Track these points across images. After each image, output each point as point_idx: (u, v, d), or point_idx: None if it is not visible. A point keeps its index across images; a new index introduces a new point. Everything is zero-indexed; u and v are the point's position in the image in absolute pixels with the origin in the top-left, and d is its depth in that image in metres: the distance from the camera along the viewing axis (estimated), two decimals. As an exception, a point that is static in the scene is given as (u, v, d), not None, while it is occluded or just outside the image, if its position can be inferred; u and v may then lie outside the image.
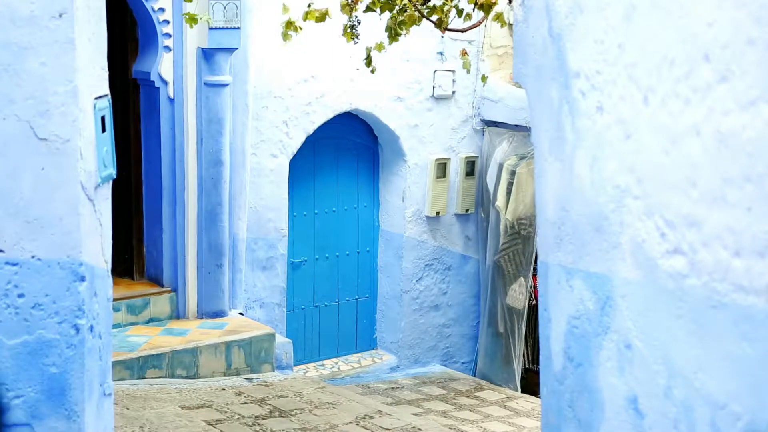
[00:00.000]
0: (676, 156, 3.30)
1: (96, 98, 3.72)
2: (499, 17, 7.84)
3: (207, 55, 8.93)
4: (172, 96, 9.00)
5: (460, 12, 7.84)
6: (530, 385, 10.34)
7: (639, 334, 3.59)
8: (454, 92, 10.91)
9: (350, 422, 7.58)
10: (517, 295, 10.67)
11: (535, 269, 10.21)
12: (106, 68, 3.86)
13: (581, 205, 3.91)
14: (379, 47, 8.19)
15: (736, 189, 3.01)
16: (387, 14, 7.70)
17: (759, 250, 2.96)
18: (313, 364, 10.72)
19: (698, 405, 3.28)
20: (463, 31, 8.20)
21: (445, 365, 11.30)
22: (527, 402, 9.81)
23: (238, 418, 7.47)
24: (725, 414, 3.15)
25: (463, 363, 11.37)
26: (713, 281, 3.17)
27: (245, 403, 7.91)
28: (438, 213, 10.98)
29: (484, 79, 10.76)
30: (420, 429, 7.55)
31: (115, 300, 7.70)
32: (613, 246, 3.72)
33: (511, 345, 10.69)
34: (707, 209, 3.16)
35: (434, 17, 7.70)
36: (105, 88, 3.83)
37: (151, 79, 8.97)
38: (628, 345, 3.66)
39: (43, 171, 3.49)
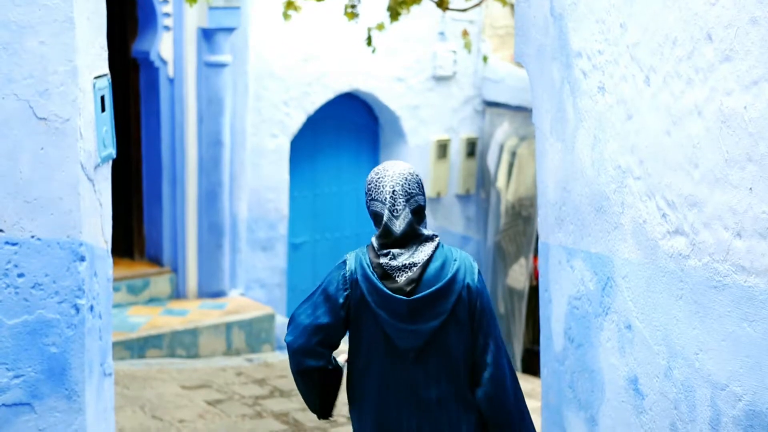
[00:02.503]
0: (678, 136, 3.29)
1: (95, 78, 3.70)
2: (500, -3, 7.81)
3: (207, 34, 8.90)
4: (171, 76, 8.98)
5: (461, -9, 7.81)
6: (531, 365, 10.35)
7: (639, 314, 3.59)
8: (455, 72, 10.88)
9: (350, 402, 7.59)
10: (517, 276, 10.68)
11: (535, 250, 10.21)
12: (106, 47, 3.84)
13: (582, 186, 3.91)
14: (380, 27, 8.15)
15: (738, 169, 3.01)
16: (388, -6, 7.67)
17: (760, 230, 2.95)
18: (313, 344, 10.74)
19: (698, 386, 3.28)
20: (464, 10, 8.17)
21: (445, 346, 11.32)
22: (527, 382, 9.82)
23: (239, 399, 7.48)
24: (726, 395, 3.16)
25: (463, 343, 11.40)
26: (714, 262, 3.17)
27: (245, 383, 7.93)
28: (439, 194, 10.97)
29: (485, 59, 10.74)
30: (420, 409, 7.57)
31: (115, 280, 7.70)
32: (614, 227, 3.72)
33: (512, 326, 10.71)
34: (709, 190, 3.16)
35: (435, -3, 7.68)
36: (104, 68, 3.82)
37: (151, 58, 8.94)
38: (629, 326, 3.66)
39: (42, 151, 3.48)
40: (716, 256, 3.13)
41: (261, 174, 9.78)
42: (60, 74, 3.47)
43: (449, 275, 3.18)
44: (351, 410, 3.33)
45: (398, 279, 3.16)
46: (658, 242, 3.43)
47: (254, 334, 9.07)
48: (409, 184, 3.22)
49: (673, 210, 3.33)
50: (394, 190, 3.20)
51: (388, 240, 3.20)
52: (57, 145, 3.49)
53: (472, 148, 11.14)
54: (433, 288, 3.17)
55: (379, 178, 3.25)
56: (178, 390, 7.54)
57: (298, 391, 3.36)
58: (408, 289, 3.13)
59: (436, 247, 3.23)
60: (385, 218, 3.20)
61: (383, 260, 3.17)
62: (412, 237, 3.19)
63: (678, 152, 3.28)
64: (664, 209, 3.38)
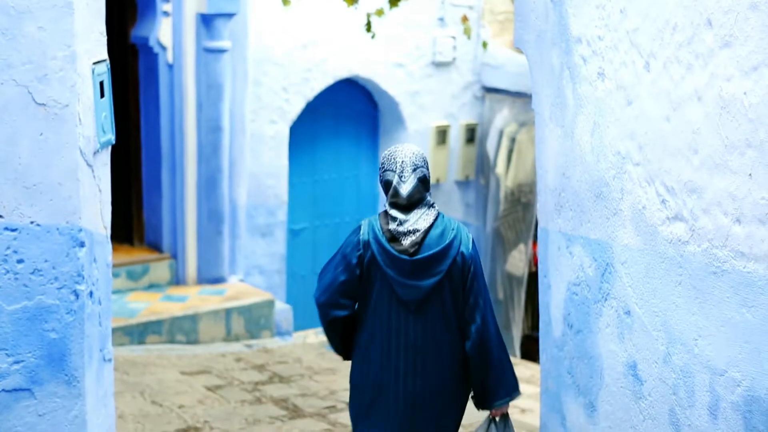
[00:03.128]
0: (678, 122, 3.29)
1: (94, 63, 3.70)
2: (500, -17, 7.79)
3: (206, 20, 8.88)
4: (171, 62, 8.96)
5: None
6: (530, 351, 10.37)
7: (639, 300, 3.60)
8: (454, 58, 10.86)
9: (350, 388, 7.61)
10: (516, 262, 10.68)
11: (535, 236, 10.21)
12: (105, 33, 3.83)
13: (582, 172, 3.91)
14: (379, 13, 8.14)
15: (738, 155, 3.00)
16: (387, -21, 7.65)
17: (759, 216, 2.96)
18: (312, 330, 10.73)
19: (697, 371, 3.29)
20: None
21: (444, 332, 11.33)
22: (526, 368, 9.83)
23: (238, 384, 7.49)
24: (724, 380, 3.16)
25: (462, 330, 11.41)
26: (713, 248, 3.17)
27: (245, 369, 7.94)
28: (438, 180, 10.96)
29: (484, 45, 10.71)
30: (419, 395, 7.58)
31: (114, 266, 7.70)
32: (614, 212, 3.72)
33: (511, 312, 10.72)
34: (708, 175, 3.16)
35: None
36: (103, 53, 3.81)
37: (150, 44, 8.92)
38: (628, 311, 3.67)
39: (41, 136, 3.48)
40: (715, 242, 3.14)
41: (260, 160, 9.78)
42: (59, 60, 3.46)
43: (447, 241, 3.76)
44: (355, 354, 3.93)
45: (404, 242, 3.74)
46: (657, 228, 3.43)
47: (254, 320, 9.08)
48: (416, 158, 3.83)
49: (672, 196, 3.33)
50: (403, 161, 3.81)
51: (397, 200, 3.77)
52: (56, 131, 3.48)
53: (471, 134, 11.13)
54: (432, 251, 3.75)
55: (390, 153, 3.88)
56: (177, 376, 7.55)
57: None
58: (411, 250, 3.74)
59: (437, 217, 3.80)
60: (394, 182, 3.79)
61: (392, 226, 3.76)
62: (417, 201, 3.77)
63: (678, 138, 3.28)
64: (664, 195, 3.38)
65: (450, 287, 3.78)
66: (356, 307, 3.89)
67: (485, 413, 3.97)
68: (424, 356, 3.78)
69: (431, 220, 3.78)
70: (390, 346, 3.81)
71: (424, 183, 3.80)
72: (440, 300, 3.78)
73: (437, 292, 3.77)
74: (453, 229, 3.81)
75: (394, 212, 3.79)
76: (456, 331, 3.81)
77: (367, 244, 3.80)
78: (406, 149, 3.87)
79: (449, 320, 3.80)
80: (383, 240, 3.76)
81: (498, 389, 3.87)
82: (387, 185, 3.83)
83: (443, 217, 3.83)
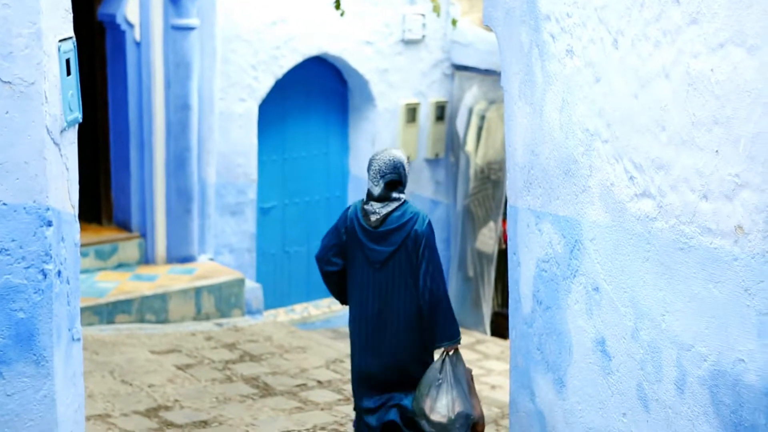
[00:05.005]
0: (646, 99, 3.31)
1: (60, 41, 3.66)
2: (469, -40, 7.77)
3: (174, -3, 8.81)
4: (138, 39, 8.89)
5: (429, -46, 7.76)
6: (499, 328, 10.42)
7: (607, 277, 3.62)
8: (423, 36, 10.84)
9: (320, 366, 7.62)
10: (486, 240, 10.71)
11: (504, 213, 10.24)
12: (71, 10, 3.79)
13: (550, 149, 3.92)
14: (348, -10, 8.09)
15: (705, 132, 3.02)
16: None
17: (726, 192, 2.98)
18: (283, 308, 10.73)
19: (665, 346, 3.32)
20: (432, -27, 8.13)
21: (414, 309, 11.34)
22: (496, 345, 9.89)
23: (209, 363, 7.49)
24: (691, 355, 3.19)
25: (432, 307, 11.42)
26: (681, 224, 3.19)
27: (215, 347, 7.93)
28: (408, 158, 10.95)
29: (454, 22, 10.70)
30: (390, 372, 7.61)
31: (83, 245, 7.66)
32: (582, 189, 3.73)
33: (481, 289, 10.75)
34: (676, 152, 3.17)
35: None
36: (69, 31, 3.77)
37: (117, 22, 8.85)
38: (596, 288, 3.69)
39: (7, 115, 3.44)
40: (683, 218, 3.16)
41: (229, 138, 9.73)
42: (24, 37, 3.42)
43: (403, 221, 5.12)
44: (349, 302, 5.32)
45: (372, 218, 5.15)
46: (625, 205, 3.45)
47: (224, 298, 9.06)
48: (387, 167, 5.17)
49: (640, 172, 3.35)
50: (378, 169, 5.17)
51: (371, 197, 5.18)
52: (22, 109, 3.45)
53: (441, 112, 11.13)
54: (390, 227, 5.12)
55: (372, 159, 5.23)
56: (147, 355, 7.53)
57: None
58: (375, 225, 5.14)
59: (400, 205, 5.16)
60: (369, 185, 5.20)
61: (367, 207, 5.18)
62: (385, 198, 5.16)
63: (645, 115, 3.29)
64: (632, 172, 3.39)
65: (405, 254, 5.10)
66: (344, 265, 5.25)
67: None
68: (385, 300, 5.16)
69: (393, 207, 5.14)
70: (363, 292, 5.19)
71: (392, 184, 5.15)
72: (398, 262, 5.12)
73: (395, 256, 5.12)
74: (412, 213, 5.15)
75: (368, 201, 5.19)
76: (411, 286, 5.12)
77: (351, 219, 5.21)
78: (383, 157, 5.20)
79: (405, 277, 5.12)
80: (360, 216, 5.17)
81: (443, 334, 5.13)
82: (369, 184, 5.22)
83: (408, 204, 5.19)
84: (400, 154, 5.26)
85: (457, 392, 5.14)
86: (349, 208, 5.29)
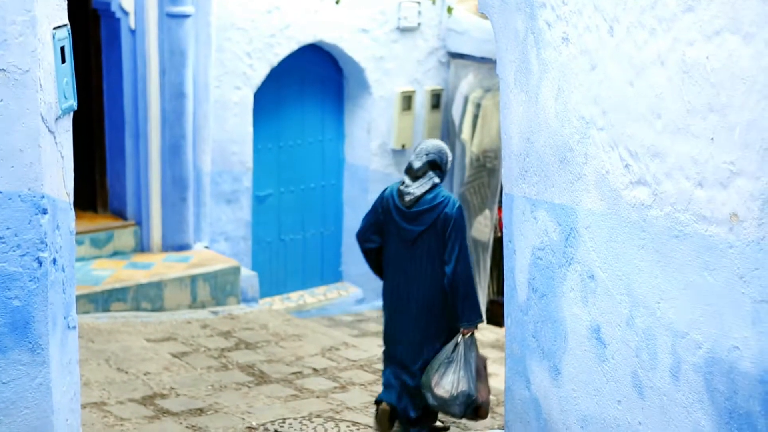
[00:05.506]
0: (641, 87, 3.30)
1: (55, 28, 3.65)
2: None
3: (169, -15, 8.79)
4: (133, 27, 8.87)
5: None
6: (495, 316, 10.43)
7: (602, 264, 3.62)
8: (419, 24, 10.83)
9: (316, 354, 7.63)
10: (482, 228, 10.72)
11: (500, 201, 10.24)
12: (65, -3, 3.78)
13: (546, 137, 3.91)
14: (344, -22, 8.08)
15: (700, 119, 3.02)
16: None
17: (721, 180, 2.98)
18: (278, 296, 10.74)
19: (660, 334, 3.32)
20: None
21: (410, 297, 11.34)
22: (491, 333, 9.91)
23: (204, 351, 7.49)
24: (686, 342, 3.20)
25: (428, 295, 11.42)
26: (676, 212, 3.19)
27: (211, 335, 7.93)
28: (403, 146, 10.95)
29: (449, 10, 10.68)
30: (385, 360, 7.62)
31: (78, 233, 7.65)
32: (578, 177, 3.73)
33: (477, 277, 10.76)
34: (671, 140, 3.17)
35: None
36: (64, 18, 3.76)
37: (112, 9, 8.83)
38: (592, 275, 3.69)
39: (1, 102, 3.44)
40: (678, 206, 3.16)
41: (225, 126, 9.72)
42: (18, 24, 3.41)
43: (435, 203, 5.58)
44: (383, 276, 5.86)
45: (406, 199, 5.63)
46: (620, 192, 3.46)
47: (219, 286, 9.07)
48: (432, 149, 5.68)
49: (635, 160, 3.35)
50: (422, 148, 5.70)
51: (409, 170, 5.67)
52: (17, 97, 3.44)
53: (436, 100, 11.12)
54: (422, 207, 5.59)
55: (418, 145, 5.76)
56: (143, 343, 7.54)
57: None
58: (409, 205, 5.62)
59: (432, 188, 5.62)
60: (410, 161, 5.69)
61: (402, 188, 5.66)
62: (423, 174, 5.61)
63: (641, 103, 3.29)
64: (627, 160, 3.40)
65: (435, 234, 5.56)
66: (381, 242, 5.79)
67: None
68: (414, 276, 5.62)
69: (426, 188, 5.60)
70: (395, 267, 5.73)
71: (431, 164, 5.63)
72: (427, 241, 5.58)
73: (424, 236, 5.58)
74: (443, 197, 5.62)
75: (405, 178, 5.70)
76: (438, 265, 5.57)
77: (387, 199, 5.73)
78: (431, 142, 5.78)
79: (433, 256, 5.58)
80: (396, 197, 5.68)
81: (463, 315, 5.54)
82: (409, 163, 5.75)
83: (441, 189, 5.66)
84: (446, 147, 5.78)
85: (464, 373, 5.50)
86: (386, 189, 5.83)
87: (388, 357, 5.88)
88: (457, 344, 5.57)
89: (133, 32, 8.89)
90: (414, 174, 5.63)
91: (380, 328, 9.97)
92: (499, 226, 10.38)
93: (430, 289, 5.59)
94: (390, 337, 5.84)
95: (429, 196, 5.58)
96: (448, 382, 5.50)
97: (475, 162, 10.66)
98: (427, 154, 5.62)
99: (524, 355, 4.26)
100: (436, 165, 5.65)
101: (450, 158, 5.75)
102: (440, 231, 5.53)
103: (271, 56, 9.89)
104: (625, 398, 3.53)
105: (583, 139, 3.64)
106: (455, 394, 5.48)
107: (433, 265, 5.58)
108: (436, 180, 5.64)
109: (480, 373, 5.60)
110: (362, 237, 5.84)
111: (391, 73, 10.79)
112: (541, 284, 4.06)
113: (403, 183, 5.67)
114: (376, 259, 5.86)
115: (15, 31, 3.41)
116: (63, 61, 3.72)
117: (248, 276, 9.49)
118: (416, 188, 5.58)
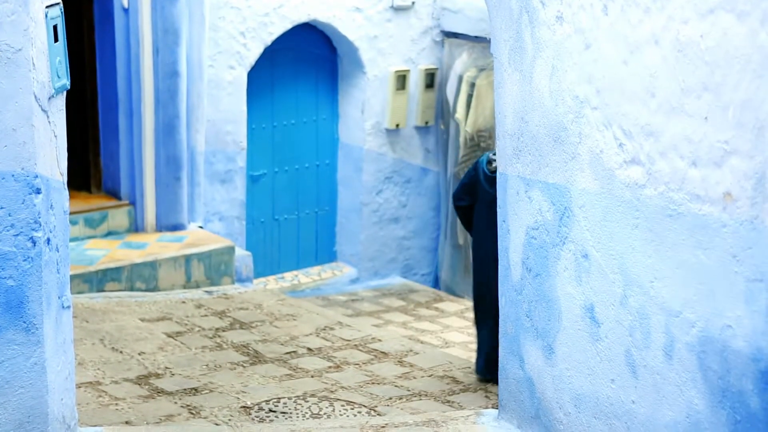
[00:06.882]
0: (635, 66, 3.30)
1: (47, 7, 3.63)
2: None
3: (162, -37, 8.75)
4: (126, 5, 8.84)
5: None
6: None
7: (596, 244, 3.63)
8: (413, 3, 10.80)
9: (310, 334, 7.64)
10: (476, 207, 10.72)
11: (494, 181, 10.22)
12: (57, -24, 3.76)
13: (540, 116, 3.91)
14: (338, -44, 8.05)
15: (694, 98, 3.02)
16: None
17: (715, 159, 2.98)
18: (273, 276, 10.74)
19: (653, 313, 3.33)
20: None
21: (404, 277, 11.37)
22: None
23: (199, 331, 7.50)
24: (679, 321, 3.21)
25: (422, 275, 11.45)
26: (670, 191, 3.20)
27: (205, 315, 7.94)
28: (398, 125, 10.94)
29: (443, -11, 10.65)
30: (380, 340, 7.63)
31: (72, 213, 7.65)
32: (572, 157, 3.73)
33: (471, 257, 10.76)
34: (665, 119, 3.18)
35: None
36: (56, -3, 3.75)
37: (105, -12, 8.80)
38: (585, 255, 3.70)
39: (-6, 81, 3.43)
40: (672, 185, 3.17)
41: (219, 106, 9.70)
42: (10, 3, 3.40)
43: None
44: (473, 231, 6.85)
45: (492, 165, 6.36)
46: (614, 172, 3.46)
47: (214, 266, 9.07)
48: None
49: (629, 139, 3.35)
50: None
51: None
52: (9, 76, 3.43)
53: (431, 80, 11.10)
54: None
55: None
56: (137, 323, 7.54)
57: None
58: (492, 170, 6.26)
59: None
60: None
61: (491, 155, 6.47)
62: None
63: (635, 82, 3.29)
64: (621, 139, 3.40)
65: None
66: (471, 202, 6.70)
67: None
68: (495, 237, 5.79)
69: None
70: (480, 226, 6.61)
71: None
72: None
73: None
74: None
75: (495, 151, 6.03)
76: None
77: (478, 164, 6.66)
78: None
79: None
80: (485, 164, 6.58)
81: None
82: None
83: None
84: None
85: None
86: (481, 156, 6.78)
87: (480, 315, 6.77)
88: None
89: (126, 11, 8.85)
90: None
91: (374, 308, 10.00)
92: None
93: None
94: (476, 292, 6.86)
95: None
96: None
97: (470, 141, 10.65)
98: None
99: (518, 335, 4.27)
100: None
101: None
102: None
103: (264, 35, 9.86)
104: (618, 377, 3.54)
105: (577, 118, 3.64)
106: None
107: None
108: None
109: None
110: (456, 196, 6.86)
111: (385, 52, 10.76)
112: (535, 264, 4.07)
113: (494, 152, 6.19)
114: (465, 216, 6.84)
115: (7, 9, 3.40)
116: (56, 39, 3.71)
117: (242, 256, 9.50)
118: None
